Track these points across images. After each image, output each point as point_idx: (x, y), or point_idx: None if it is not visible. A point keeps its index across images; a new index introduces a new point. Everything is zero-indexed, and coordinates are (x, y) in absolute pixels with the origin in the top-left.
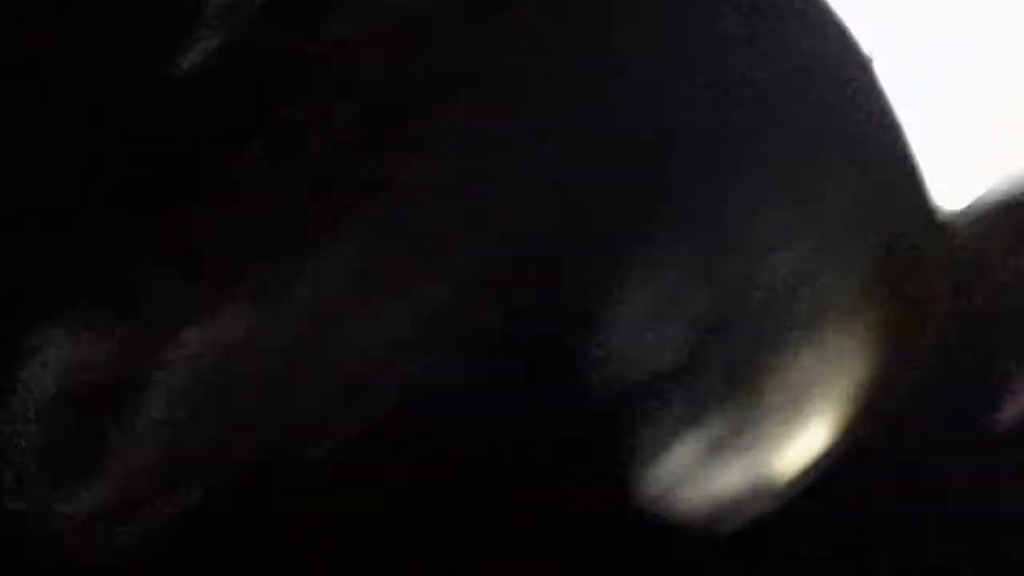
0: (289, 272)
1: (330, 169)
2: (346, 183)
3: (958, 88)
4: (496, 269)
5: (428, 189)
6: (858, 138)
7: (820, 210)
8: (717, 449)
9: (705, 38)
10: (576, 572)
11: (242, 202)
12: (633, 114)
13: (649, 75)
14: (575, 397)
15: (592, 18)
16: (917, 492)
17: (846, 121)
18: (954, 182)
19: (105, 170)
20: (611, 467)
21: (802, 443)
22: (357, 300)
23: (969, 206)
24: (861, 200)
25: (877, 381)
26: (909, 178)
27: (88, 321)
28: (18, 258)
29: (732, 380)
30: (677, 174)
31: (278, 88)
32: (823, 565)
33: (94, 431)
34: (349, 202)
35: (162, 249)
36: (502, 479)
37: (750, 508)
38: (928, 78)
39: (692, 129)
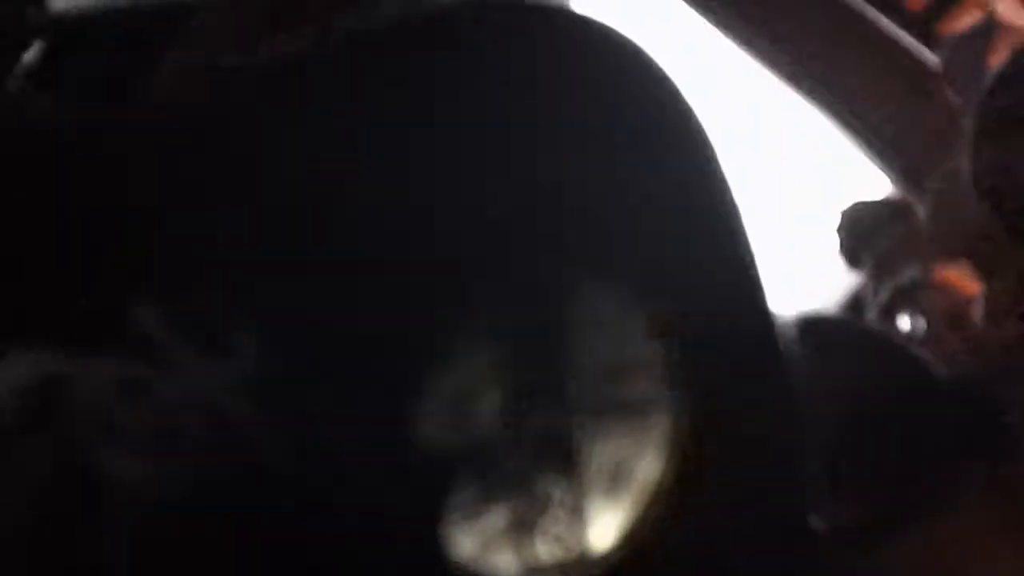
0: None
1: None
2: None
3: None
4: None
5: None
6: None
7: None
8: (527, 519)
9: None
10: None
11: None
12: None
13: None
14: (396, 465)
15: None
16: None
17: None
18: None
19: None
20: (427, 530)
21: (611, 520)
22: None
23: None
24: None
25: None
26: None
27: None
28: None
29: (544, 455)
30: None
31: None
32: None
33: None
34: None
35: None
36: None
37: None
38: None
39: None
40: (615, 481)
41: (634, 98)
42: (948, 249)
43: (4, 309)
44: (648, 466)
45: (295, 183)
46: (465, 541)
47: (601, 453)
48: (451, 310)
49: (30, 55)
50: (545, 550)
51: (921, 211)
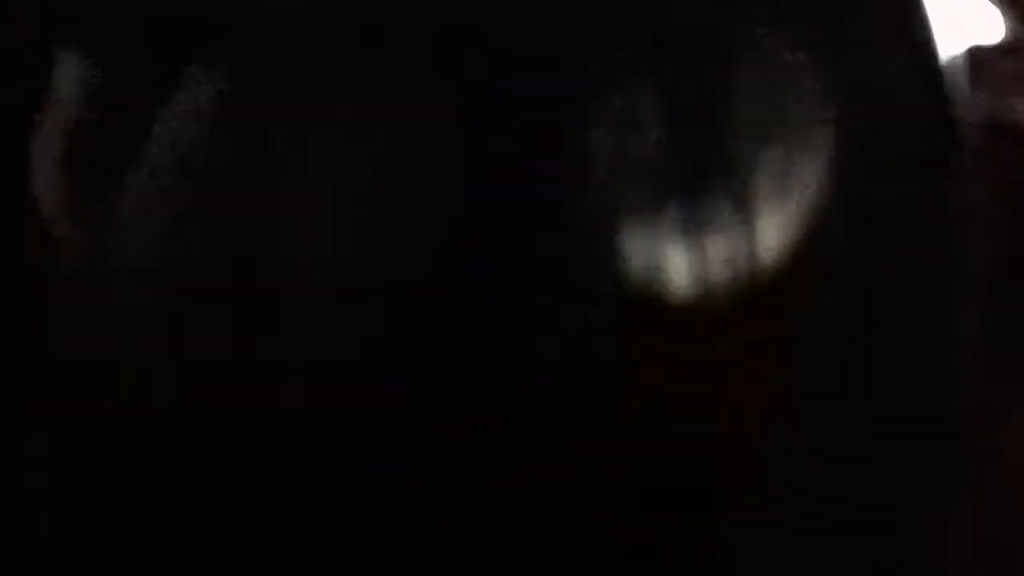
0: None
1: None
2: None
3: None
4: None
5: None
6: None
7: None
8: (697, 234)
9: None
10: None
11: None
12: None
13: None
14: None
15: None
16: None
17: None
18: None
19: None
20: (593, 241)
21: (778, 232)
22: None
23: None
24: None
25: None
26: None
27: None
28: None
29: (710, 171)
30: None
31: None
32: None
33: (114, 154)
34: None
35: None
36: None
37: (726, 291)
38: None
39: None
40: (781, 195)
41: None
42: None
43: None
44: (812, 182)
45: None
46: (637, 255)
47: (765, 169)
48: (611, 28)
49: None
50: (716, 263)
51: None
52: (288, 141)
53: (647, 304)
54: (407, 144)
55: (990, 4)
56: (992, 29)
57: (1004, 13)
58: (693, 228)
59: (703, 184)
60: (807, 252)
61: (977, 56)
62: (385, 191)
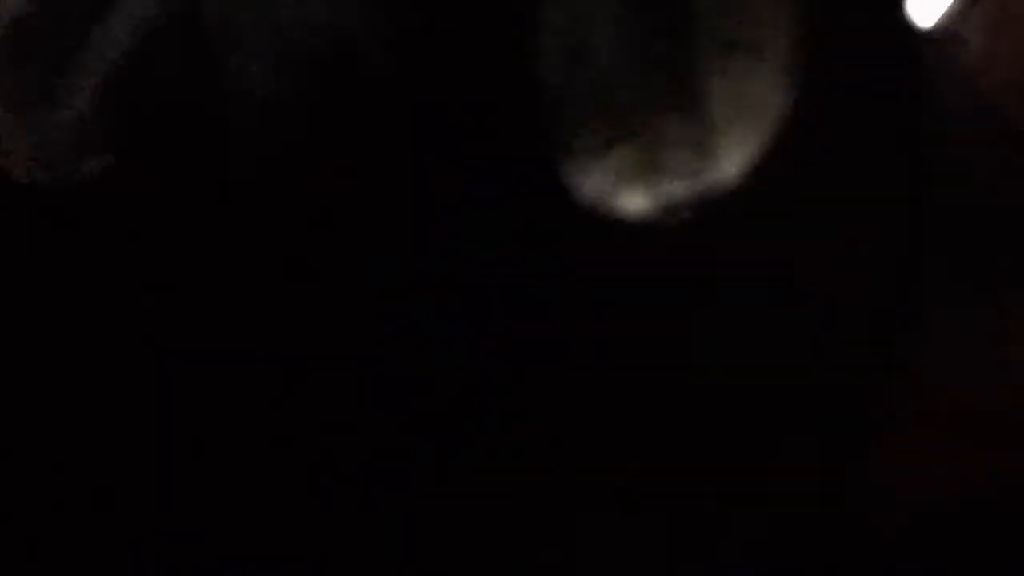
0: None
1: None
2: None
3: None
4: None
5: None
6: None
7: None
8: (653, 156)
9: None
10: (521, 274)
11: None
12: None
13: None
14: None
15: None
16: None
17: None
18: None
19: None
20: (552, 164)
21: (736, 153)
22: None
23: None
24: None
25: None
26: None
27: None
28: None
29: (667, 90)
30: None
31: None
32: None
33: (46, 65)
34: None
35: None
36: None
37: (692, 205)
38: None
39: None
40: (737, 115)
41: None
42: None
43: None
44: (769, 100)
45: None
46: (592, 183)
47: (723, 88)
48: None
49: None
50: (673, 186)
51: None
52: None
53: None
54: None
55: None
56: None
57: None
58: (652, 146)
59: (664, 100)
60: (766, 164)
61: None
62: None
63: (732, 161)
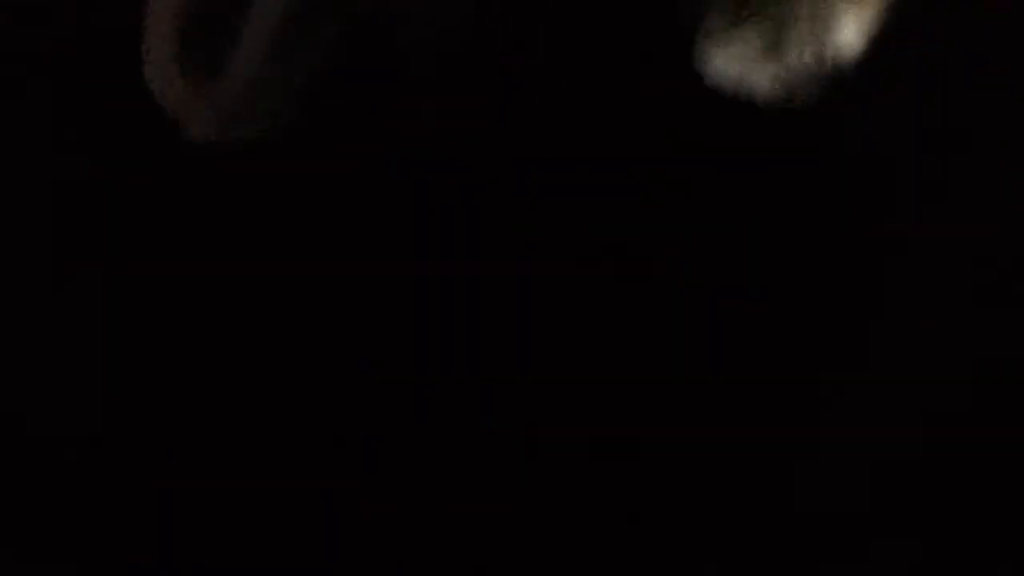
0: None
1: None
2: None
3: None
4: None
5: None
6: None
7: None
8: (780, 31)
9: None
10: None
11: None
12: None
13: None
14: None
15: None
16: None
17: None
18: None
19: None
20: (686, 47)
21: (855, 27)
22: None
23: None
24: None
25: None
26: None
27: None
28: None
29: None
30: None
31: None
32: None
33: (217, 39)
34: None
35: None
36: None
37: (816, 84)
38: None
39: None
40: None
41: None
42: None
43: None
44: None
45: None
46: (722, 63)
47: None
48: None
49: None
50: (798, 62)
51: None
52: None
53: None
54: None
55: None
56: None
57: None
58: (777, 23)
59: None
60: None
61: None
62: None
63: (852, 33)
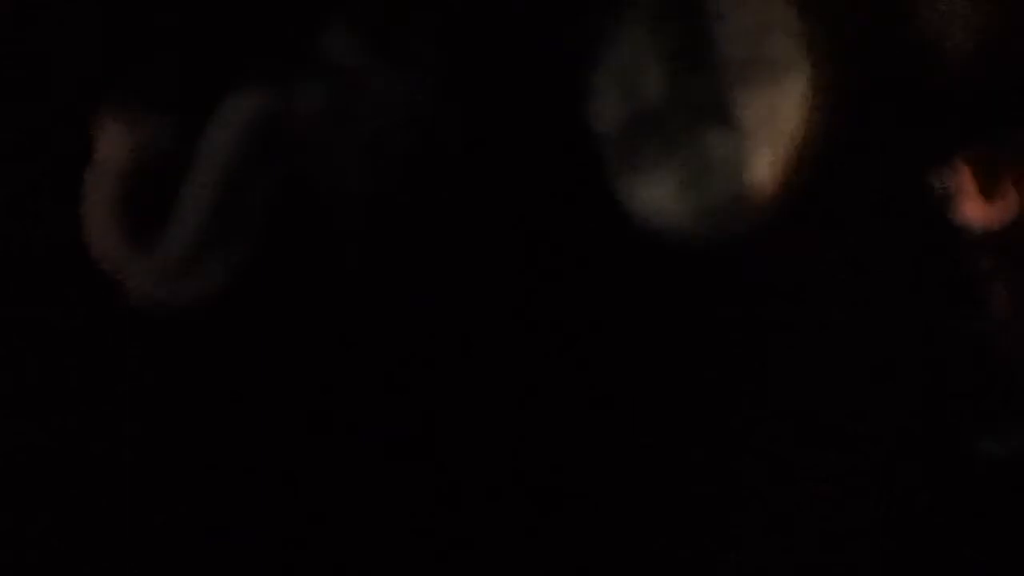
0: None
1: None
2: None
3: None
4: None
5: None
6: None
7: None
8: (698, 168)
9: None
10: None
11: None
12: None
13: None
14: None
15: None
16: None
17: None
18: None
19: None
20: (606, 186)
21: (768, 163)
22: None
23: None
24: None
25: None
26: None
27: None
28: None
29: (704, 113)
30: None
31: None
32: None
33: (159, 195)
34: None
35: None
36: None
37: (732, 221)
38: None
39: None
40: (768, 129)
41: None
42: None
43: (219, 55)
44: (795, 115)
45: None
46: (644, 198)
47: (753, 106)
48: None
49: None
50: (713, 195)
51: None
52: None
53: None
54: None
55: None
56: None
57: None
58: (696, 158)
59: (703, 118)
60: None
61: None
62: None
63: (767, 166)
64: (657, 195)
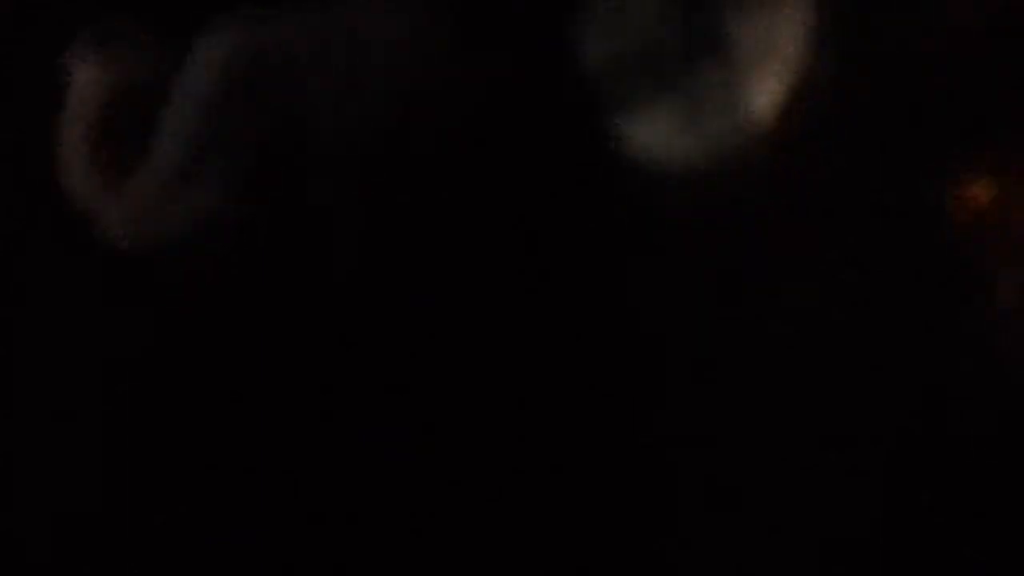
0: None
1: None
2: None
3: None
4: None
5: None
6: None
7: None
8: (695, 103)
9: None
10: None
11: None
12: None
13: None
14: (566, 67)
15: None
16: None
17: None
18: None
19: None
20: (602, 124)
21: (766, 91)
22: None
23: None
24: None
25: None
26: None
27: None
28: None
29: (700, 45)
30: None
31: None
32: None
33: (135, 132)
34: None
35: None
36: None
37: (729, 154)
38: None
39: None
40: (764, 58)
41: None
42: None
43: None
44: (793, 44)
45: None
46: (640, 133)
47: (749, 36)
48: None
49: None
50: (712, 128)
51: None
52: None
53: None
54: None
55: None
56: None
57: None
58: (692, 92)
59: (699, 50)
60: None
61: None
62: None
63: (763, 100)
64: (654, 132)
